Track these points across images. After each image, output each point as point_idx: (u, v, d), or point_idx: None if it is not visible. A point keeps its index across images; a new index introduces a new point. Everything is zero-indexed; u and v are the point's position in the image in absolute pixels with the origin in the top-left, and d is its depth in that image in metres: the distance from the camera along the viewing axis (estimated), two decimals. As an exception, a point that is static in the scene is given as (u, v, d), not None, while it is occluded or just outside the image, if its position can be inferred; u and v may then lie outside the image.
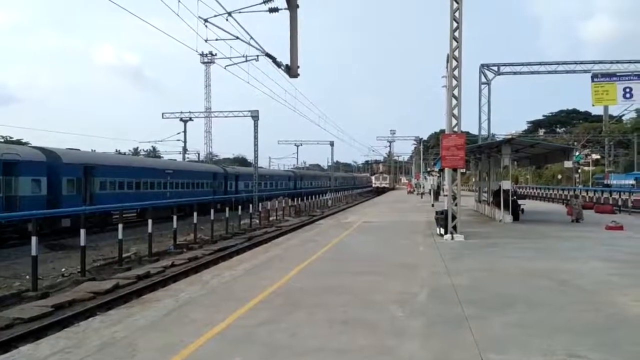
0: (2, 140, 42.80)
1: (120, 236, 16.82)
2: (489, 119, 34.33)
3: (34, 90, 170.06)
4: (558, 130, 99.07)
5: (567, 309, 7.78)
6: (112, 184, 29.99)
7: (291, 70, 15.62)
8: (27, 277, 13.89)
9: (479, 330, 6.50)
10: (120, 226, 17.00)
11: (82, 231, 14.71)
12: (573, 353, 5.71)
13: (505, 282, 9.86)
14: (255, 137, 45.91)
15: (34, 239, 12.70)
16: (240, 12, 15.41)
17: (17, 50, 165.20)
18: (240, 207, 30.58)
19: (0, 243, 21.02)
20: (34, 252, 12.64)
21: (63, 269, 16.11)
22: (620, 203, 31.18)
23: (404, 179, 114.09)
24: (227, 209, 27.72)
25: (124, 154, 61.25)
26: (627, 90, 29.62)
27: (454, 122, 17.22)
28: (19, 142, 41.26)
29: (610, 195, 34.42)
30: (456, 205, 17.09)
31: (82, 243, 14.70)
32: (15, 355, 6.19)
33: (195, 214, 22.89)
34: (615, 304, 8.06)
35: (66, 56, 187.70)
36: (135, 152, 76.95)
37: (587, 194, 37.88)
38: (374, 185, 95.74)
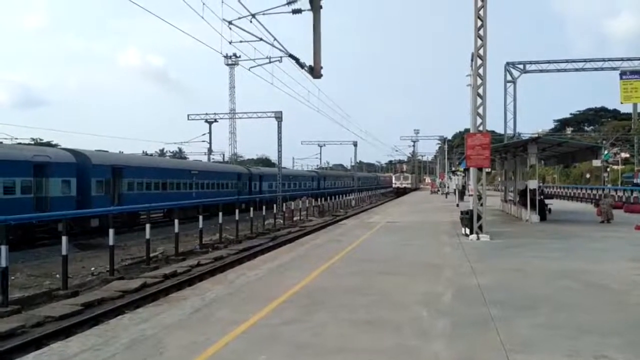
0: (33, 142, 43.71)
1: (147, 236, 17.05)
2: (514, 118, 34.08)
3: (62, 93, 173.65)
4: (586, 128, 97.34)
5: (594, 309, 7.68)
6: (140, 184, 30.41)
7: (314, 71, 15.65)
8: (58, 276, 14.17)
9: (505, 331, 6.46)
10: (147, 226, 17.24)
11: (111, 231, 14.99)
12: (600, 354, 5.65)
13: (532, 282, 9.75)
14: (279, 138, 46.11)
15: (64, 239, 12.96)
16: (263, 14, 15.52)
17: (44, 54, 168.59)
18: (264, 207, 30.74)
19: (32, 243, 21.50)
20: (64, 252, 12.90)
21: (92, 268, 16.41)
22: (651, 202, 30.50)
23: (427, 179, 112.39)
24: (251, 209, 27.90)
25: (151, 155, 62.01)
26: (658, 87, 29.03)
27: (479, 121, 17.07)
28: (48, 144, 42.14)
29: (641, 195, 33.65)
30: (481, 205, 16.94)
31: (111, 242, 14.97)
32: (46, 352, 6.36)
33: (220, 214, 23.09)
34: (644, 305, 7.93)
35: (92, 59, 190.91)
36: (162, 153, 77.85)
37: (616, 193, 37.12)
38: (394, 185, 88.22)
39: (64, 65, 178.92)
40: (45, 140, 47.81)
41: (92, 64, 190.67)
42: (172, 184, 34.10)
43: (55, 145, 38.95)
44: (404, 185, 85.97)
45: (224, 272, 13.44)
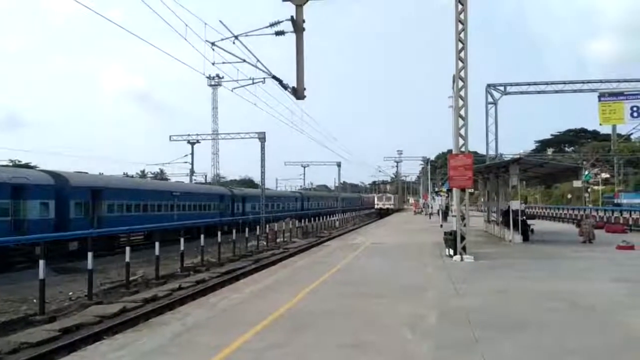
0: (11, 164, 43.09)
1: (127, 259, 16.79)
2: (496, 139, 34.32)
3: (41, 114, 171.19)
4: (566, 149, 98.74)
5: (578, 330, 7.67)
6: (120, 206, 30.04)
7: (297, 92, 15.67)
8: (35, 300, 13.83)
9: (489, 353, 6.39)
10: (127, 249, 16.99)
11: (90, 254, 14.71)
12: (587, 377, 5.61)
13: (516, 303, 9.74)
14: (262, 159, 46.03)
15: (41, 263, 12.69)
16: (247, 35, 15.53)
17: (23, 75, 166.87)
18: (247, 228, 30.52)
19: (9, 266, 21.01)
20: (41, 276, 12.62)
21: (70, 293, 16.05)
22: (630, 222, 30.86)
23: (411, 200, 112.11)
24: (234, 231, 27.68)
25: (132, 176, 61.43)
26: (635, 109, 29.60)
27: (461, 142, 17.19)
28: (27, 166, 41.56)
29: (621, 215, 34.08)
30: (465, 225, 16.97)
31: (90, 266, 14.69)
32: (20, 381, 6.14)
33: (202, 236, 22.84)
34: (627, 324, 7.94)
35: (73, 81, 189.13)
36: (143, 174, 77.15)
37: (597, 213, 37.56)
38: (376, 206, 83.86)
39: (43, 86, 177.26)
40: (23, 162, 47.10)
41: (74, 86, 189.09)
42: (153, 205, 33.74)
43: (34, 167, 38.42)
44: (386, 206, 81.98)
45: (205, 295, 13.23)
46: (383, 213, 76.66)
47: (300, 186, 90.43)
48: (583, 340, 7.13)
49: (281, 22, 15.02)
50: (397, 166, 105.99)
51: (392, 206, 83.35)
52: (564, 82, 34.89)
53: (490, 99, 34.03)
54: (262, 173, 46.59)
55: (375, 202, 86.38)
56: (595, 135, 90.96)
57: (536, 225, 28.00)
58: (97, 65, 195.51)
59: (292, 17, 14.99)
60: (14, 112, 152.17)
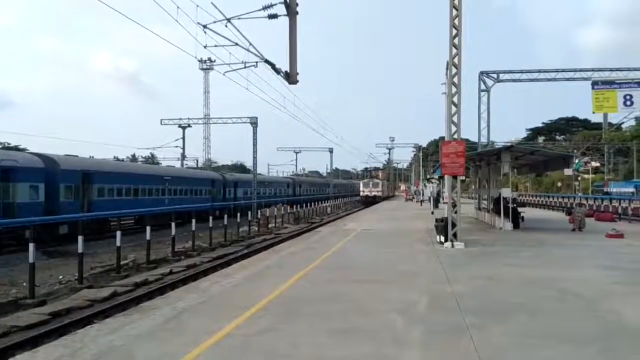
0: (0, 146, 42.71)
1: (118, 243, 16.72)
2: (488, 126, 34.34)
3: (30, 96, 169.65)
4: (557, 137, 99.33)
5: (568, 317, 7.72)
6: (110, 190, 29.89)
7: (290, 77, 15.60)
8: (24, 284, 13.77)
9: (479, 340, 6.42)
10: (118, 233, 16.92)
11: (80, 238, 14.63)
12: (576, 363, 5.66)
13: (506, 290, 9.78)
14: (254, 144, 45.85)
15: (31, 246, 12.62)
16: (239, 18, 15.40)
17: (12, 55, 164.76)
18: (239, 214, 30.49)
19: (-2, 250, 20.90)
20: (31, 259, 12.56)
21: (60, 277, 16.00)
22: (620, 211, 31.13)
23: (403, 186, 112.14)
24: (225, 216, 27.64)
25: (122, 160, 61.15)
26: (628, 97, 29.69)
27: (454, 129, 17.18)
28: (16, 148, 41.20)
29: (610, 203, 34.37)
30: (456, 212, 17.02)
31: (80, 250, 14.62)
32: (10, 364, 6.11)
33: (193, 221, 22.79)
34: (616, 312, 7.99)
35: (63, 62, 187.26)
36: (133, 158, 76.78)
37: (587, 201, 37.83)
38: (361, 194, 75.70)
39: (32, 67, 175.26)
40: (13, 144, 46.69)
41: (62, 67, 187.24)
42: (144, 190, 33.60)
43: (23, 150, 38.08)
44: (373, 194, 73.95)
45: (196, 280, 13.23)
46: (369, 202, 68.93)
47: (292, 172, 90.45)
48: (571, 326, 7.19)
49: (274, 5, 14.92)
50: (389, 153, 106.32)
51: (379, 193, 75.93)
52: (557, 70, 34.91)
53: (483, 87, 34.00)
54: (254, 158, 46.43)
55: (362, 189, 77.91)
56: (586, 124, 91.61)
57: (526, 213, 28.19)
58: (85, 47, 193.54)
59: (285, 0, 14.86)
60: (1, 93, 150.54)
